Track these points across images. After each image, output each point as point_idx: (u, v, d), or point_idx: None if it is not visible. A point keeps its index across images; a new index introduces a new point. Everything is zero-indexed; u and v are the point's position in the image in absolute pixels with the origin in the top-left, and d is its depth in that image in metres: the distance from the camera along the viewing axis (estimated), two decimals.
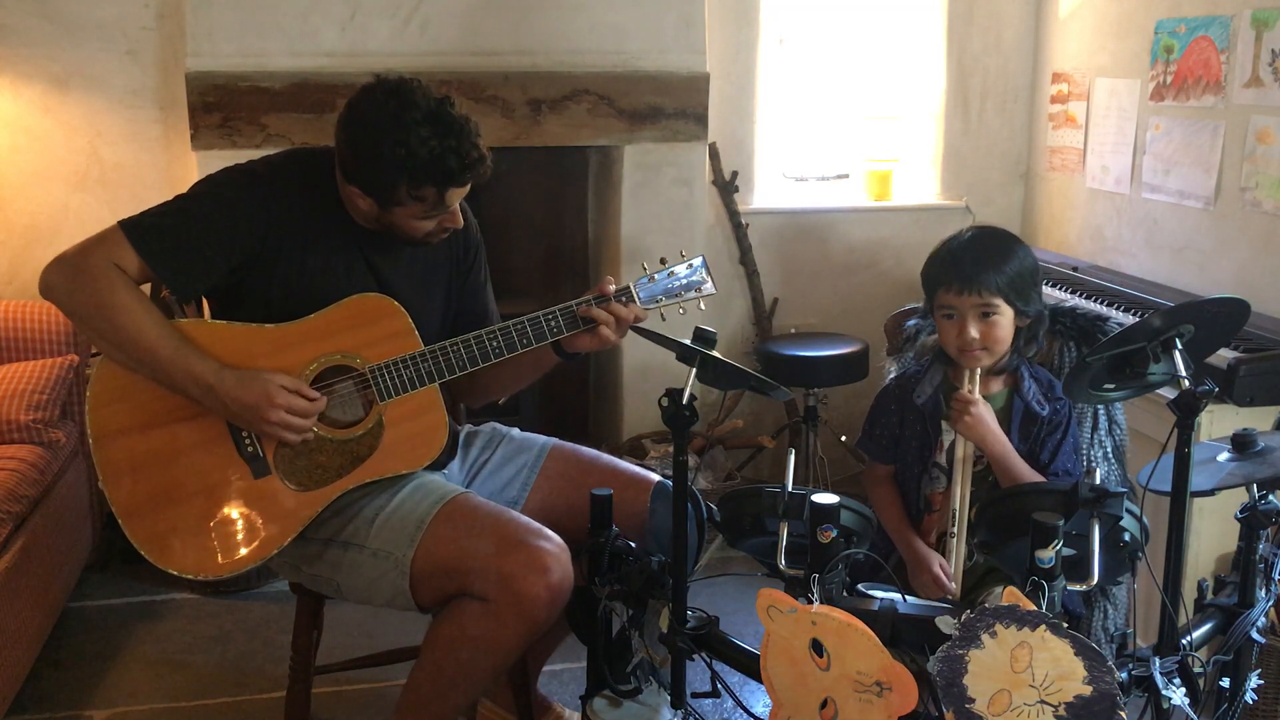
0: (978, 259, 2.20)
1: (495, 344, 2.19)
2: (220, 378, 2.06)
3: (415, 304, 2.23)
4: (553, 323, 2.20)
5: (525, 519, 2.13)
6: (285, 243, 2.15)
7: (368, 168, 2.09)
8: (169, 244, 2.09)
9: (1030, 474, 2.20)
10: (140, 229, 2.09)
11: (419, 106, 2.06)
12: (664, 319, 2.29)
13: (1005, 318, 2.21)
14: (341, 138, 2.13)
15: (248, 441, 2.12)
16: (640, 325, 2.21)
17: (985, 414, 2.19)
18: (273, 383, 2.06)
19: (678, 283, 2.31)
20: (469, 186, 2.14)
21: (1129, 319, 2.97)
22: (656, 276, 2.29)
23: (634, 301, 2.25)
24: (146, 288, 2.17)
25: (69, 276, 2.07)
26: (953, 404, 2.22)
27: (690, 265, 2.32)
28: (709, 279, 2.34)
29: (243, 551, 2.11)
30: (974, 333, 2.20)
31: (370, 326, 2.17)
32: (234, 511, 2.11)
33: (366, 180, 2.11)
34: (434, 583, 2.08)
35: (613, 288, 2.22)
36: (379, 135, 2.05)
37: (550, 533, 2.10)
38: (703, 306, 2.34)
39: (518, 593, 2.01)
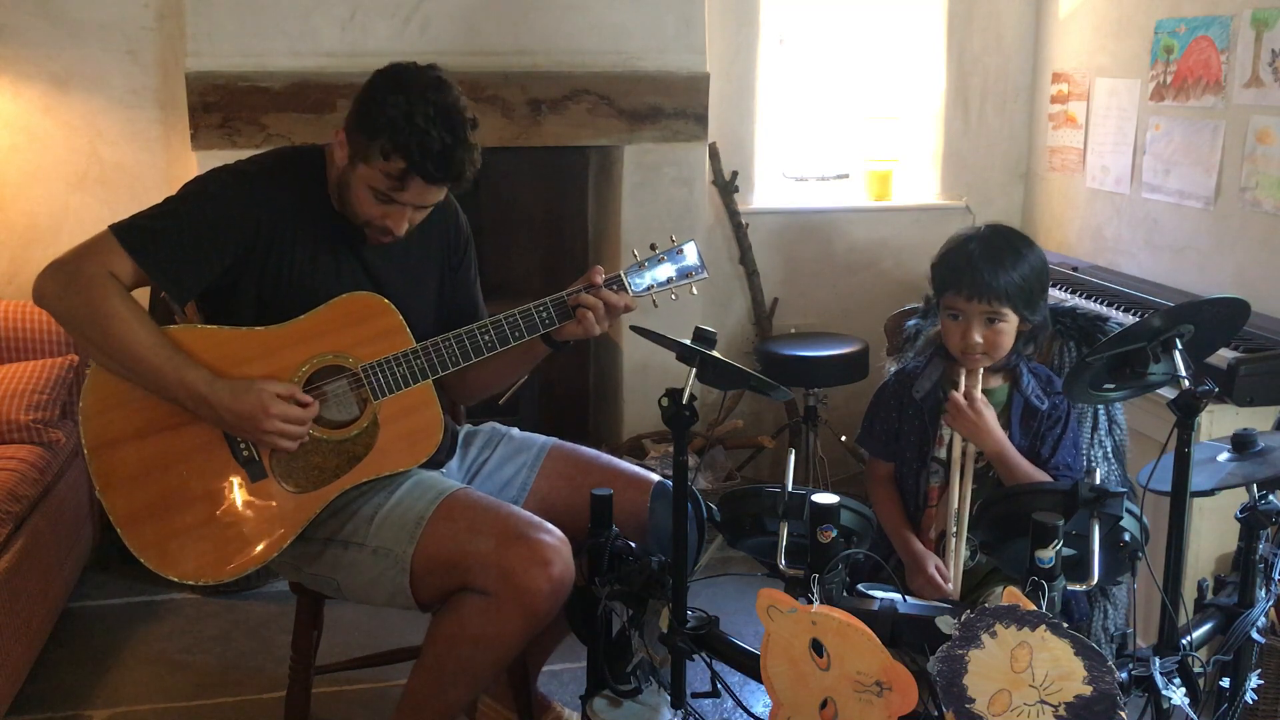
0: (992, 266, 2.19)
1: (487, 338, 2.18)
2: (213, 388, 2.05)
3: (408, 299, 2.23)
4: (544, 314, 2.20)
5: (525, 513, 2.13)
6: (276, 240, 2.15)
7: (366, 109, 2.08)
8: (162, 247, 2.08)
9: (1029, 469, 2.20)
10: (132, 232, 2.08)
11: (446, 97, 2.06)
12: (656, 305, 2.28)
13: (1010, 324, 2.21)
14: (365, 85, 2.12)
15: (243, 446, 2.12)
16: (641, 324, 2.20)
17: (984, 411, 2.20)
18: (267, 391, 2.06)
19: (669, 269, 2.30)
20: (431, 194, 2.12)
21: (1129, 319, 2.97)
22: (646, 264, 2.28)
23: (624, 290, 2.24)
24: (146, 291, 2.17)
25: (62, 284, 2.06)
26: (947, 403, 2.22)
27: (681, 250, 2.31)
28: (701, 264, 2.32)
29: (242, 556, 2.10)
30: (978, 338, 2.20)
31: (361, 325, 2.16)
32: (232, 516, 2.11)
33: (357, 121, 2.09)
34: (434, 579, 2.08)
35: (602, 277, 2.22)
36: (396, 90, 2.05)
37: (550, 526, 2.10)
38: (695, 291, 2.33)
39: (519, 586, 2.01)
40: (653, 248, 2.30)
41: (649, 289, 2.28)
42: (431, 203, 2.15)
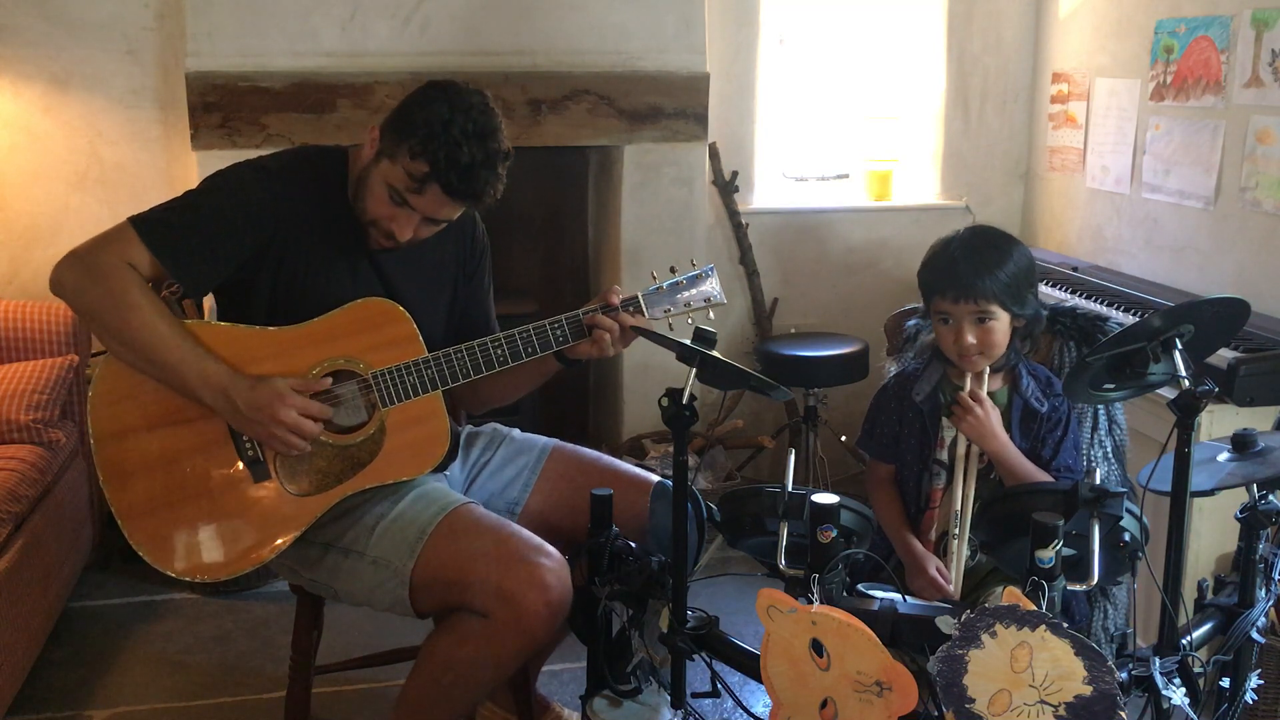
0: (974, 266, 2.20)
1: (500, 352, 2.17)
2: (234, 380, 2.05)
3: (420, 305, 2.23)
4: (558, 331, 2.18)
5: (527, 534, 2.12)
6: (292, 239, 2.15)
7: (407, 110, 2.09)
8: (180, 240, 2.08)
9: (1032, 469, 2.20)
10: (151, 225, 2.08)
11: (488, 120, 2.08)
12: (671, 328, 2.25)
13: (1001, 322, 2.22)
14: (415, 89, 2.13)
15: (248, 445, 2.12)
16: (641, 325, 2.20)
17: (991, 415, 2.20)
18: (283, 384, 2.06)
19: (686, 293, 2.27)
20: (446, 208, 2.12)
21: (1129, 319, 2.97)
22: (665, 286, 2.26)
23: (641, 312, 2.22)
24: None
25: (80, 274, 2.06)
26: (955, 405, 2.22)
27: (700, 275, 2.28)
28: (718, 288, 2.29)
29: (242, 555, 2.10)
30: (971, 338, 2.21)
31: (375, 331, 2.16)
32: (233, 515, 2.11)
33: (394, 118, 2.10)
34: (433, 593, 2.08)
35: (618, 298, 2.20)
36: (443, 100, 2.06)
37: (551, 549, 2.08)
38: (711, 316, 2.31)
39: (517, 608, 2.00)
40: (672, 270, 2.28)
41: (666, 312, 2.25)
42: (444, 218, 2.15)
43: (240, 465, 2.12)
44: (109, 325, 2.07)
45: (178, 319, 2.08)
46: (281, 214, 2.14)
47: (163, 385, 2.09)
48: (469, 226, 2.37)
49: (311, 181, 2.19)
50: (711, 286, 2.29)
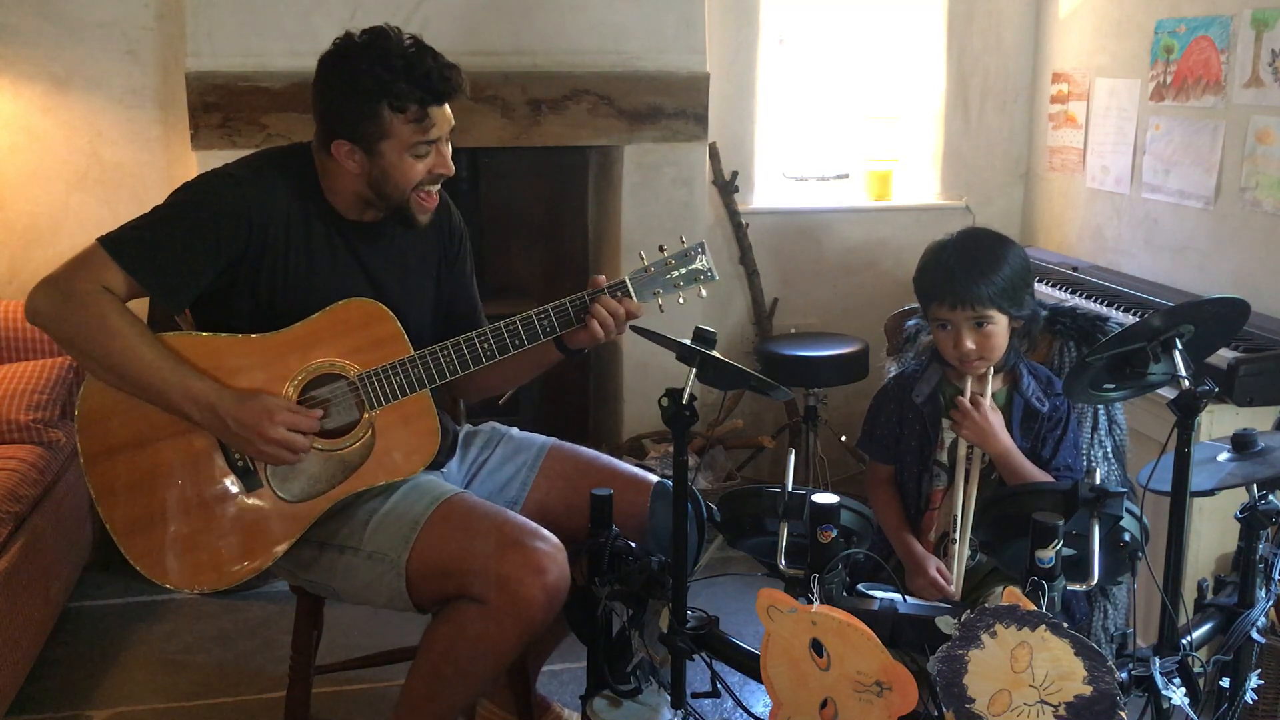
0: (970, 272, 2.19)
1: (486, 346, 2.15)
2: (220, 396, 2.04)
3: (405, 295, 2.22)
4: (544, 322, 2.16)
5: (521, 519, 2.12)
6: (269, 241, 2.12)
7: (347, 101, 2.07)
8: (153, 257, 2.05)
9: (1033, 470, 2.20)
10: (122, 244, 2.05)
11: (392, 38, 2.10)
12: (662, 310, 2.24)
13: (1000, 325, 2.21)
14: (319, 88, 2.12)
15: (239, 456, 2.10)
16: (640, 324, 2.19)
17: (992, 417, 2.19)
18: (274, 402, 2.05)
19: (677, 273, 2.23)
20: (449, 117, 2.12)
21: (1129, 319, 2.97)
22: (653, 268, 2.22)
23: (629, 296, 2.20)
24: (143, 301, 2.15)
25: (56, 303, 2.02)
26: (954, 410, 2.22)
27: (688, 253, 2.23)
28: (710, 265, 2.25)
29: (238, 565, 2.10)
30: (970, 344, 2.20)
31: (358, 332, 2.14)
32: (228, 526, 2.10)
33: (348, 119, 2.08)
34: (430, 584, 2.07)
35: (606, 283, 2.18)
36: (355, 63, 2.06)
37: (547, 533, 2.09)
38: (704, 294, 2.28)
39: (514, 594, 2.00)
40: (661, 249, 2.24)
41: (656, 294, 2.23)
42: (451, 125, 2.15)
43: (232, 476, 2.11)
44: (90, 353, 2.04)
45: (158, 339, 2.05)
46: (255, 219, 2.11)
47: (152, 406, 2.07)
48: (445, 213, 2.34)
49: (283, 182, 2.16)
50: (702, 263, 2.24)
